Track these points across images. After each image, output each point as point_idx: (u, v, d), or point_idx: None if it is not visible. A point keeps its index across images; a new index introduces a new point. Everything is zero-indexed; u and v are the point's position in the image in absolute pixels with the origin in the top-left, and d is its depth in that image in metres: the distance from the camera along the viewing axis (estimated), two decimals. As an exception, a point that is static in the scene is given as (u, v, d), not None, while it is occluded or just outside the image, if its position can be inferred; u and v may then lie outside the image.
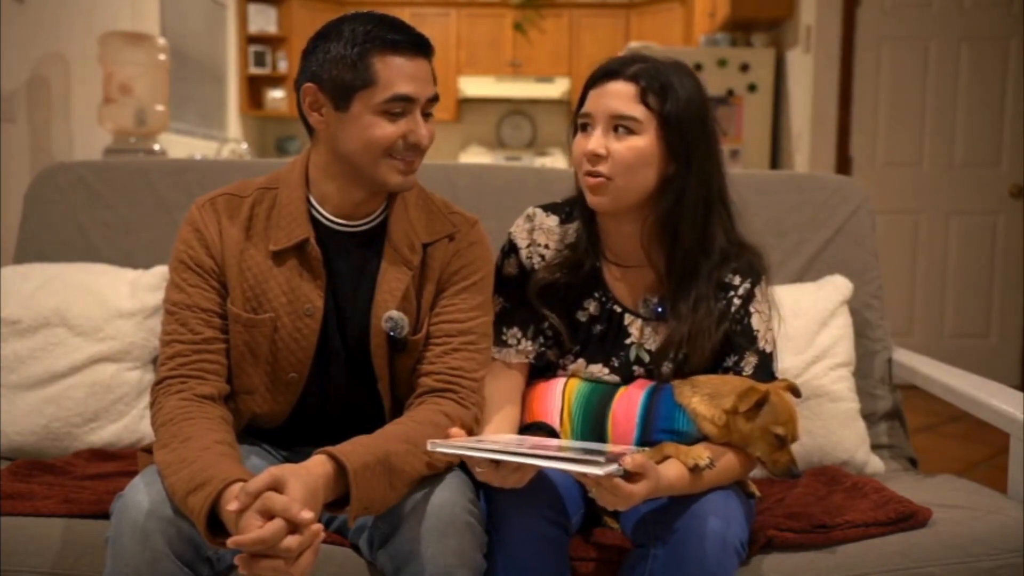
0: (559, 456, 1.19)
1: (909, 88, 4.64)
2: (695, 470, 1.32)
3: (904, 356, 2.01)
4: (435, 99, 1.41)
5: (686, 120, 1.44)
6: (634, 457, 1.23)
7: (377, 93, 1.34)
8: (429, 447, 1.23)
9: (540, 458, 1.19)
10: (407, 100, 1.35)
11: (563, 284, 1.52)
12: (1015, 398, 1.68)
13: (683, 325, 1.46)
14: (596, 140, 1.45)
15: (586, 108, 1.48)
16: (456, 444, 1.23)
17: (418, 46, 1.37)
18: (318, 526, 1.11)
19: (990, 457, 3.48)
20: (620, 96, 1.44)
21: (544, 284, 1.52)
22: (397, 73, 1.34)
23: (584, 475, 1.19)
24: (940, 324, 4.75)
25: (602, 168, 1.44)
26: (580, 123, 1.49)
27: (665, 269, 1.51)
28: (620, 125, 1.44)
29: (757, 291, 1.51)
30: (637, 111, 1.43)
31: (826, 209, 2.07)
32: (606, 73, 1.46)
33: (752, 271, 1.52)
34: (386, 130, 1.35)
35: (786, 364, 1.79)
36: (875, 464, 1.81)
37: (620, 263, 1.54)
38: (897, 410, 2.00)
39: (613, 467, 1.18)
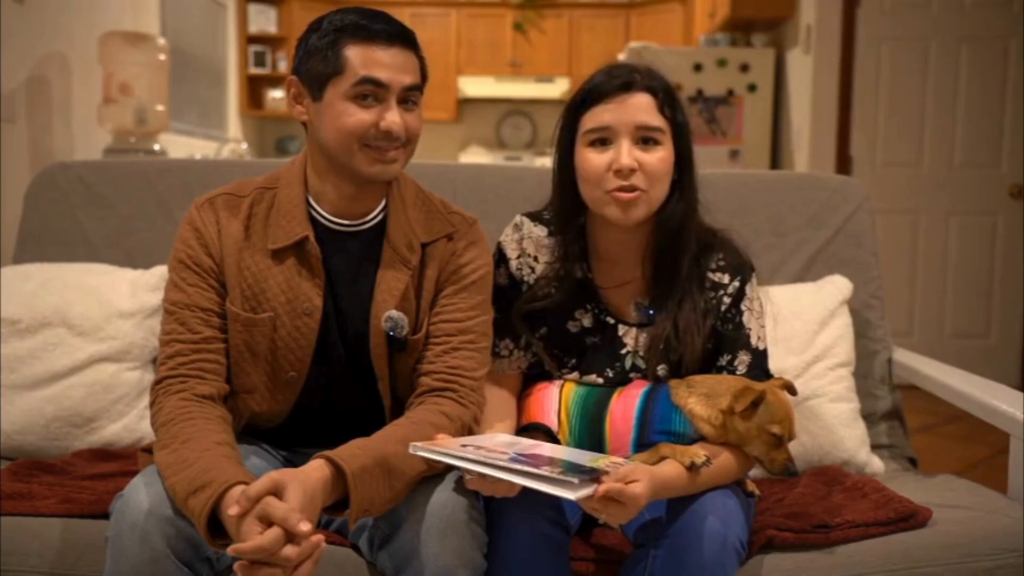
0: (536, 474, 1.18)
1: (909, 88, 4.65)
2: (692, 469, 1.32)
3: (904, 356, 2.01)
4: (415, 88, 1.38)
5: (686, 124, 1.47)
6: (615, 474, 1.22)
7: (346, 79, 1.33)
8: (411, 450, 1.23)
9: (515, 473, 1.18)
10: (376, 84, 1.33)
11: (554, 302, 1.51)
12: (1015, 398, 1.68)
13: (667, 322, 1.47)
14: (628, 153, 1.42)
15: (602, 122, 1.44)
16: (437, 448, 1.23)
17: (394, 35, 1.35)
18: (319, 537, 1.11)
19: (990, 457, 3.48)
20: (642, 108, 1.43)
21: (529, 310, 1.52)
22: (367, 59, 1.33)
23: (558, 497, 1.18)
24: (940, 324, 4.75)
25: (637, 181, 1.42)
26: (594, 138, 1.44)
27: (652, 273, 1.51)
28: (645, 137, 1.43)
29: (747, 288, 1.51)
30: (659, 121, 1.44)
31: (826, 209, 2.07)
32: (622, 86, 1.44)
33: (740, 268, 1.52)
34: (357, 116, 1.34)
35: (786, 364, 1.79)
36: (875, 464, 1.81)
37: (611, 273, 1.54)
38: (897, 410, 2.00)
39: (585, 491, 1.18)
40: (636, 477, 1.24)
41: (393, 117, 1.35)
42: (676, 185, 1.48)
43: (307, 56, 1.36)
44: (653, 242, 1.50)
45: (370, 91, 1.34)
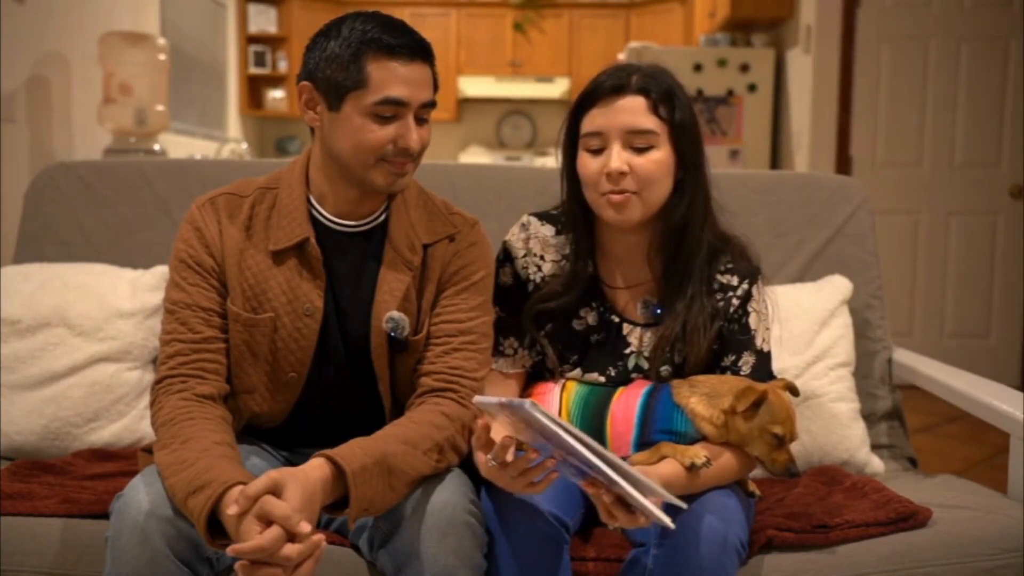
0: (635, 476, 1.12)
1: (909, 88, 4.65)
2: (691, 469, 1.32)
3: (904, 356, 2.01)
4: (431, 104, 1.39)
5: (689, 124, 1.45)
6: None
7: (368, 95, 1.33)
8: (475, 401, 1.16)
9: (626, 478, 1.11)
10: (398, 104, 1.34)
11: (564, 302, 1.51)
12: (1015, 398, 1.68)
13: (676, 323, 1.46)
14: (618, 158, 1.42)
15: (595, 127, 1.44)
16: (544, 412, 1.08)
17: (416, 50, 1.35)
18: (319, 536, 1.11)
19: (990, 457, 3.48)
20: (633, 111, 1.42)
21: (539, 311, 1.51)
22: (390, 76, 1.33)
23: (651, 514, 1.14)
24: (940, 324, 4.75)
25: (627, 185, 1.42)
26: (590, 142, 1.45)
27: (662, 273, 1.51)
28: (637, 139, 1.42)
29: (754, 290, 1.51)
30: (652, 123, 1.42)
31: (826, 209, 2.07)
32: (612, 89, 1.43)
33: (749, 271, 1.52)
34: (376, 133, 1.34)
35: (786, 364, 1.79)
36: (875, 464, 1.81)
37: (619, 272, 1.54)
38: (897, 410, 2.00)
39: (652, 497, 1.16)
40: None
41: (412, 135, 1.36)
42: (680, 185, 1.47)
43: (325, 63, 1.35)
44: (659, 242, 1.50)
45: (391, 111, 1.34)
